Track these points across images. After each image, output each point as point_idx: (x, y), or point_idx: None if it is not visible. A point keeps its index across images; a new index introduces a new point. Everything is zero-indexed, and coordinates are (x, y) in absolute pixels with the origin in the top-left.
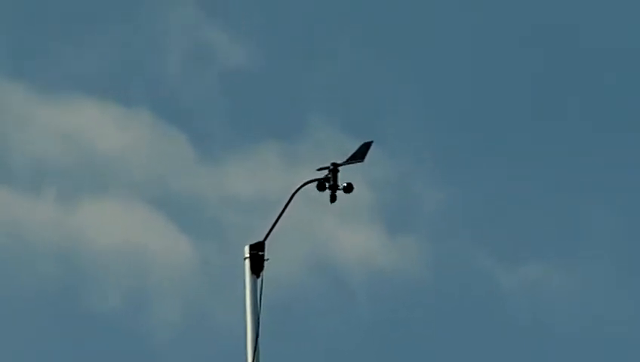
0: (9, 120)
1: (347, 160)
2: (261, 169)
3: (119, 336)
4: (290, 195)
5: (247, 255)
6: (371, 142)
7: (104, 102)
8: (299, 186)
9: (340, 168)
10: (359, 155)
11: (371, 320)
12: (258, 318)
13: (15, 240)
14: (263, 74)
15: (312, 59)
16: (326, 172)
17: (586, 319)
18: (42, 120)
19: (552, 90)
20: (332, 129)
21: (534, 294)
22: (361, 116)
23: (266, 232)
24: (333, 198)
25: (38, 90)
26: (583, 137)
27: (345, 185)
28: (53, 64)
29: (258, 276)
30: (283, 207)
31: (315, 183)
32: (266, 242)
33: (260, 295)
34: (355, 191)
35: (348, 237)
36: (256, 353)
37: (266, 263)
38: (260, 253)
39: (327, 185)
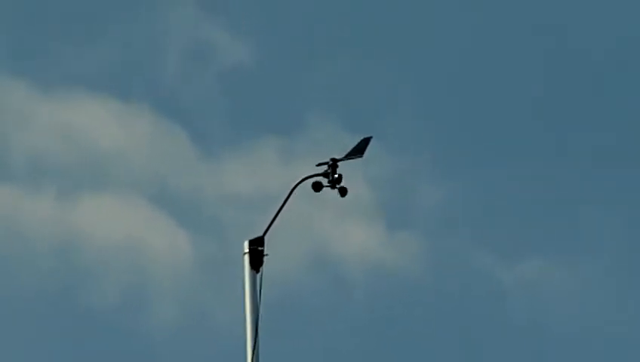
0: (9, 117)
1: (346, 155)
2: (260, 165)
3: (118, 333)
4: (289, 191)
5: (247, 250)
6: (370, 137)
7: (104, 100)
8: (298, 182)
9: (339, 163)
10: (358, 151)
11: (369, 316)
12: (257, 313)
13: (15, 237)
14: (263, 72)
15: (312, 57)
16: (325, 167)
17: (584, 317)
18: (43, 117)
19: (551, 89)
20: (331, 126)
21: (533, 291)
22: (360, 113)
23: (266, 228)
24: (342, 192)
25: (39, 88)
26: (583, 136)
27: (339, 188)
28: (54, 62)
29: (257, 271)
30: (282, 202)
31: (313, 181)
32: (266, 238)
33: (260, 290)
34: (354, 187)
35: (347, 233)
36: (255, 348)
37: (265, 258)
38: (260, 248)
39: (324, 183)
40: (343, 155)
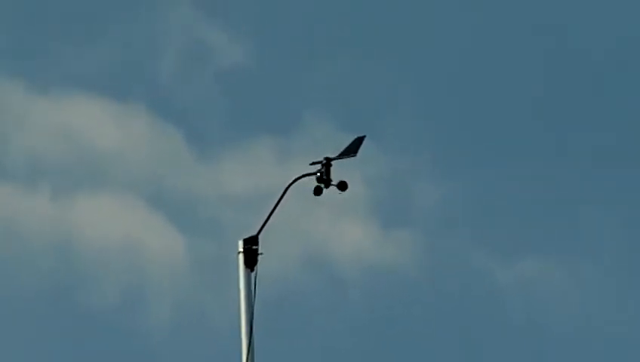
0: (7, 117)
1: (340, 154)
2: (258, 165)
3: (116, 332)
4: (283, 190)
5: (241, 249)
6: (364, 136)
7: (102, 100)
8: (292, 181)
9: (332, 163)
10: (352, 150)
11: (365, 316)
12: (252, 312)
13: (12, 237)
14: (260, 72)
15: (309, 57)
16: (319, 166)
17: (583, 317)
18: (40, 117)
19: (551, 89)
20: (329, 126)
21: (532, 291)
22: (359, 113)
23: (260, 226)
24: (342, 186)
25: (37, 88)
26: (583, 136)
27: (338, 182)
28: (52, 62)
29: (252, 270)
30: (276, 201)
31: (310, 179)
32: (260, 237)
33: (254, 289)
34: (350, 186)
35: (343, 232)
36: (250, 347)
37: (259, 257)
38: (254, 247)
39: (323, 186)
40: (337, 154)
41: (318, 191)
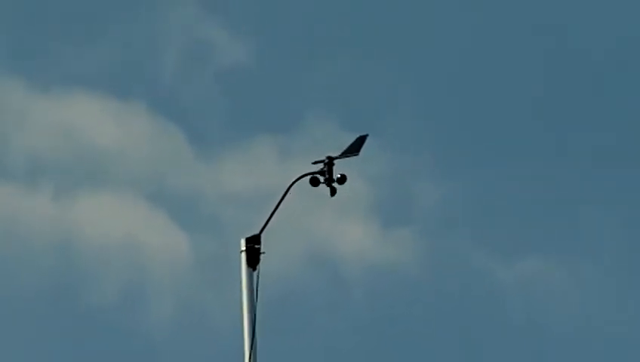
0: (8, 116)
1: (342, 153)
2: (258, 164)
3: (117, 330)
4: (285, 189)
5: (244, 248)
6: (366, 135)
7: (103, 99)
8: (294, 179)
9: (335, 162)
10: (354, 149)
11: (367, 315)
12: (254, 311)
13: (13, 236)
14: (261, 71)
15: (310, 56)
16: (321, 165)
17: (583, 316)
18: (41, 116)
19: (551, 89)
20: (330, 125)
21: (532, 291)
22: (359, 112)
23: (262, 225)
24: (332, 192)
25: (37, 87)
26: (583, 136)
27: (339, 175)
28: (53, 61)
29: (254, 269)
30: (279, 200)
31: (310, 178)
32: (262, 236)
33: (257, 288)
34: (352, 185)
35: (345, 231)
36: (253, 346)
37: (262, 256)
38: (256, 246)
39: (321, 179)
40: (340, 153)
41: (315, 182)
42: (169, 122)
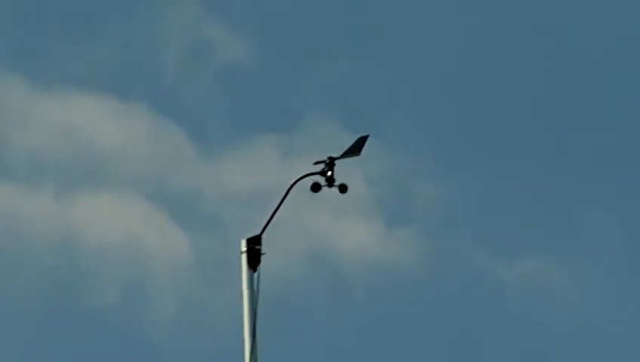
0: (9, 116)
1: (343, 153)
2: (259, 164)
3: (117, 330)
4: (287, 189)
5: (244, 249)
6: (367, 136)
7: (103, 98)
8: (295, 180)
9: (336, 162)
10: (355, 149)
11: (368, 314)
12: (255, 312)
13: (14, 235)
14: (262, 70)
15: (311, 56)
16: (323, 165)
17: (583, 316)
18: (42, 115)
19: (551, 89)
20: (330, 125)
21: (533, 290)
22: (360, 112)
23: (263, 226)
24: (343, 189)
25: (38, 86)
26: (583, 135)
27: (340, 184)
28: (53, 61)
29: (255, 270)
30: (280, 200)
31: (313, 179)
32: (263, 236)
33: (257, 288)
34: (353, 184)
35: (345, 231)
36: (253, 347)
37: (262, 257)
38: (257, 246)
39: (322, 183)
40: (341, 153)
41: (316, 188)
42: (169, 121)
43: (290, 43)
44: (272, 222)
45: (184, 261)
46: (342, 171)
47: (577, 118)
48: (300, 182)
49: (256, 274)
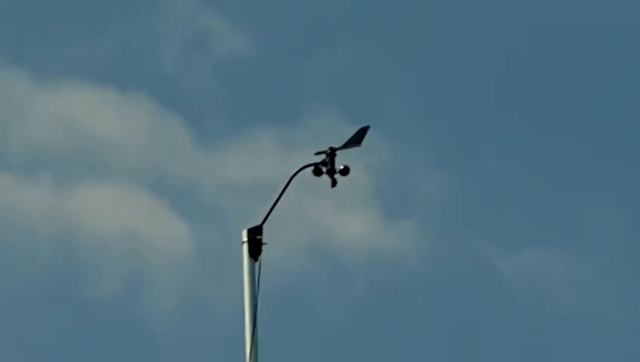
0: (8, 107)
1: (344, 144)
2: (259, 154)
3: (117, 321)
4: (287, 179)
5: (245, 239)
6: (368, 126)
7: (102, 89)
8: (297, 170)
9: (337, 153)
10: (356, 140)
11: (368, 305)
12: (256, 302)
13: (13, 227)
14: (261, 62)
15: (311, 46)
16: (324, 156)
17: (584, 307)
18: (41, 107)
19: (551, 80)
20: (330, 115)
21: (533, 281)
22: (360, 103)
23: (264, 216)
24: (333, 183)
25: (37, 78)
26: (585, 127)
27: (342, 167)
28: (53, 52)
29: (256, 260)
30: (281, 190)
31: (312, 168)
32: (264, 226)
33: (258, 279)
34: (353, 175)
35: (346, 221)
36: (254, 337)
37: (263, 247)
38: (258, 236)
39: (324, 169)
40: (341, 144)
41: (317, 172)
42: (169, 113)
43: (290, 34)
44: (272, 213)
45: (184, 252)
46: (343, 162)
47: (579, 113)
48: (301, 173)
49: (257, 264)
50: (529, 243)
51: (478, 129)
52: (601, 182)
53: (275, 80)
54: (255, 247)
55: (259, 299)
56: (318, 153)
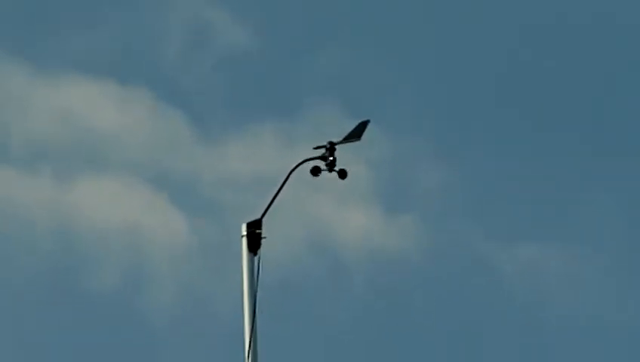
0: (9, 101)
1: (344, 139)
2: (259, 149)
3: (116, 315)
4: (287, 174)
5: (245, 233)
6: (368, 121)
7: (103, 83)
8: (296, 164)
9: (336, 147)
10: (356, 134)
11: (368, 300)
12: (255, 296)
13: (13, 220)
14: (262, 56)
15: (312, 41)
16: (323, 150)
17: (584, 302)
18: (41, 100)
19: (550, 80)
20: (331, 110)
21: (532, 276)
22: (360, 97)
23: (264, 210)
24: (341, 174)
25: (38, 71)
26: (585, 126)
27: (339, 170)
28: (53, 46)
29: (255, 254)
30: (280, 185)
31: (310, 169)
32: (264, 220)
33: (258, 272)
34: (353, 171)
35: (346, 217)
36: (253, 331)
37: (263, 241)
38: (257, 230)
39: (322, 167)
40: (341, 139)
41: (316, 172)
42: (169, 106)
43: (291, 28)
44: (272, 208)
45: (184, 245)
46: (342, 156)
47: (579, 112)
48: (300, 168)
49: (256, 258)
50: (530, 237)
51: (477, 126)
52: (601, 181)
53: (276, 74)
54: (254, 241)
55: (258, 292)
56: (317, 147)
